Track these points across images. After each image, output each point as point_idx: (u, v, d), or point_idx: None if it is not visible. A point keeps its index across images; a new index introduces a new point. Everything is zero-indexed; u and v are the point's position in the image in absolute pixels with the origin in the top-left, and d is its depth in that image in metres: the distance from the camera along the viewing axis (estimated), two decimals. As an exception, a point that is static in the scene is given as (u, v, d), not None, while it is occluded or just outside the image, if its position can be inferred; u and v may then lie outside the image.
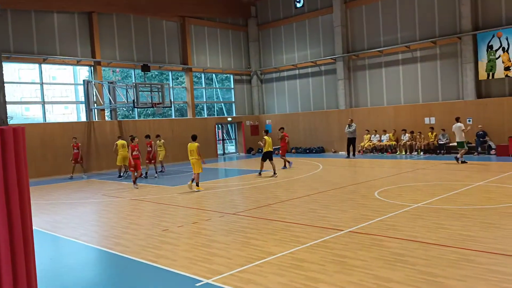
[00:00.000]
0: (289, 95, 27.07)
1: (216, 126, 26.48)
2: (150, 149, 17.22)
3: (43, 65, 19.81)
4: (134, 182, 14.26)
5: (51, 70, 21.72)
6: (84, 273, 6.12)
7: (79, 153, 18.04)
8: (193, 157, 12.87)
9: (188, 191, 12.81)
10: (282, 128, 19.16)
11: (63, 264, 6.67)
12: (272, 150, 15.76)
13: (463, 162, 16.24)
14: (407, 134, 21.14)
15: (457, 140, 16.61)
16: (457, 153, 19.55)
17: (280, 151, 18.20)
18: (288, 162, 17.66)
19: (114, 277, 5.91)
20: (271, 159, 15.49)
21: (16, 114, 21.19)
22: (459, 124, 16.46)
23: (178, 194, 12.47)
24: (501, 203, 8.82)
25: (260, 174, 15.51)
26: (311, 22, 25.39)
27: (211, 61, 26.26)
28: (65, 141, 19.32)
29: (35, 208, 11.30)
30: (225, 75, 28.02)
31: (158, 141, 18.00)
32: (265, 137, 15.79)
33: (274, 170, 15.32)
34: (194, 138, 13.19)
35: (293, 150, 25.64)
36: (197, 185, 12.94)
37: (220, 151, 27.24)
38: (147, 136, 17.59)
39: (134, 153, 14.68)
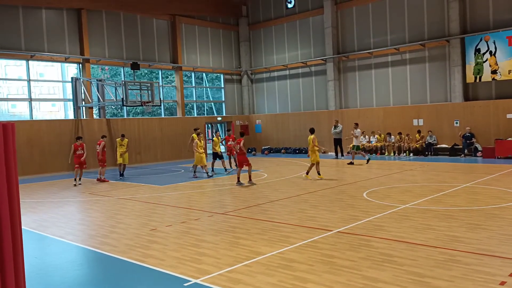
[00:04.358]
0: (279, 96, 27.11)
1: (206, 125, 26.39)
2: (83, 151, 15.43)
3: (30, 62, 19.55)
4: (238, 180, 13.31)
5: (38, 67, 21.39)
6: (70, 272, 6.04)
7: None
8: (311, 149, 13.92)
9: (304, 179, 13.99)
10: (229, 129, 21.46)
11: (49, 263, 6.58)
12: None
13: (351, 163, 17.81)
14: (392, 136, 21.33)
15: (358, 143, 18.31)
16: (444, 155, 19.85)
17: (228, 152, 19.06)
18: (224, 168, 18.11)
19: (101, 277, 5.84)
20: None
21: (3, 111, 20.82)
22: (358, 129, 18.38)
23: (167, 193, 12.41)
24: (487, 205, 8.94)
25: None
26: (302, 23, 25.46)
27: (201, 60, 26.17)
28: (52, 139, 19.12)
29: (22, 206, 11.11)
30: (216, 75, 27.95)
31: (120, 140, 16.56)
32: None
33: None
34: (311, 131, 14.30)
35: (282, 151, 25.68)
36: (318, 173, 13.88)
37: (209, 151, 27.09)
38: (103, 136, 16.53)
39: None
